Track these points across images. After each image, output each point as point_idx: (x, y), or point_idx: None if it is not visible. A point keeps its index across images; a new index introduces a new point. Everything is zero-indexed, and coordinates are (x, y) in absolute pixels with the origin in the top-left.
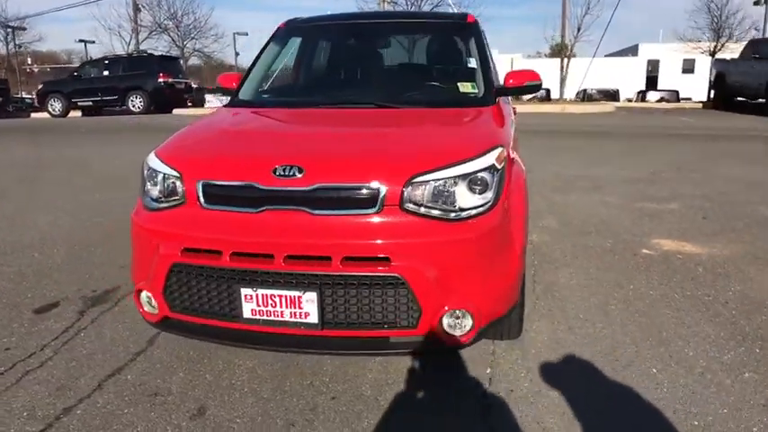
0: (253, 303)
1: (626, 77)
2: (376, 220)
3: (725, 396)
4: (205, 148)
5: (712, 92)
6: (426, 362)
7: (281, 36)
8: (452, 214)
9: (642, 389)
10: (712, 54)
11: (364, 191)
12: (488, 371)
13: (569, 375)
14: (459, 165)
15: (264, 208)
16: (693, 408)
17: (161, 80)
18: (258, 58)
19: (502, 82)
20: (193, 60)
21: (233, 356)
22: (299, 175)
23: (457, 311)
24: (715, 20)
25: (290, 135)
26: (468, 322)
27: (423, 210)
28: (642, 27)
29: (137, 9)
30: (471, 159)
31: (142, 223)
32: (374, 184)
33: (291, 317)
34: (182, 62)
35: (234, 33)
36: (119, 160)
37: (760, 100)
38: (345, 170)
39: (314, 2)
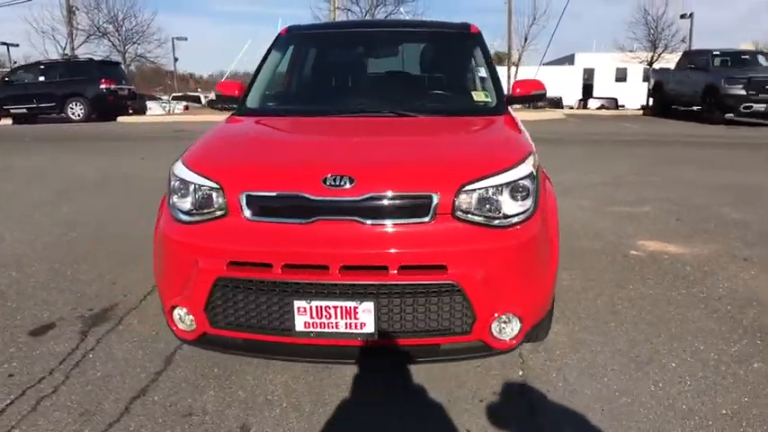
0: (306, 316)
1: (564, 85)
2: (430, 228)
3: (742, 386)
4: (243, 158)
5: (650, 100)
6: (457, 367)
7: (282, 43)
8: (498, 221)
9: (667, 383)
10: (650, 64)
11: (417, 200)
12: (521, 373)
13: (597, 374)
14: (503, 173)
15: (315, 218)
16: (718, 398)
17: (103, 86)
18: (262, 65)
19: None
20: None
21: (261, 371)
22: (350, 185)
23: (506, 316)
24: (651, 31)
25: (329, 144)
26: (515, 326)
27: (471, 217)
28: (577, 37)
29: (71, 11)
30: (513, 167)
31: (177, 237)
32: (427, 193)
33: (346, 327)
34: (123, 68)
35: (173, 38)
36: (78, 169)
37: (695, 107)
38: (397, 179)
39: (258, 7)
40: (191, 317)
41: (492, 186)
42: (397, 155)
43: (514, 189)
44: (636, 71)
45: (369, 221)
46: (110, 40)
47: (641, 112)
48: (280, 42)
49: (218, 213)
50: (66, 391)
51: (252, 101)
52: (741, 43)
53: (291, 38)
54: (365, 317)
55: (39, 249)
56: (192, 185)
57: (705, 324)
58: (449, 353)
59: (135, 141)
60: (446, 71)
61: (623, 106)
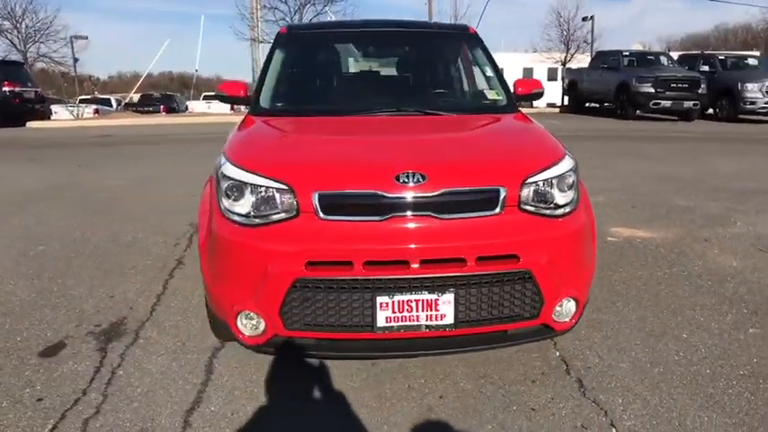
0: (388, 311)
1: None
2: (499, 220)
3: (747, 349)
4: (309, 158)
5: (566, 98)
6: (499, 353)
7: (284, 42)
8: (554, 212)
9: (687, 352)
10: (563, 64)
11: (486, 194)
12: (557, 354)
13: (625, 349)
14: (553, 167)
15: (391, 215)
16: (732, 361)
17: (6, 89)
18: (268, 64)
19: None
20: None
21: (308, 373)
22: (423, 182)
23: (566, 299)
24: (564, 33)
25: (388, 142)
26: (573, 307)
27: (533, 209)
28: (492, 38)
29: None
30: (560, 161)
31: (244, 240)
32: (495, 188)
33: (427, 320)
34: (27, 68)
35: (71, 37)
36: (18, 180)
37: (607, 104)
38: (467, 175)
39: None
40: (260, 320)
41: (547, 179)
42: (459, 151)
43: (562, 181)
44: (541, 70)
45: (443, 216)
46: (7, 38)
47: (558, 109)
48: (281, 41)
49: (289, 214)
50: (112, 411)
51: (267, 101)
52: (631, 44)
53: (293, 37)
54: (445, 308)
55: (9, 266)
56: (252, 187)
57: (696, 299)
58: (515, 337)
59: (62, 148)
60: (455, 71)
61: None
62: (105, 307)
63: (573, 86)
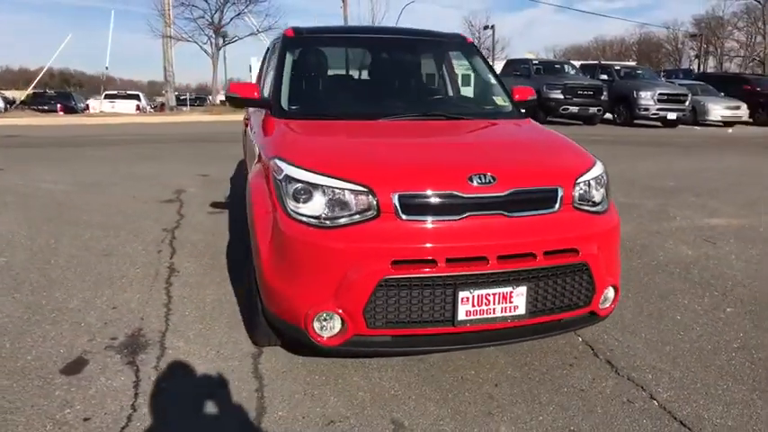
0: (468, 305)
1: None
2: (559, 217)
3: (731, 324)
4: (384, 160)
5: None
6: (528, 345)
7: (295, 45)
8: (593, 208)
9: (686, 332)
10: None
11: (547, 193)
12: (581, 339)
13: (636, 331)
14: (592, 168)
15: (467, 214)
16: (725, 336)
17: None
18: (282, 67)
19: None
20: None
21: (362, 370)
22: (494, 182)
23: (610, 287)
24: (475, 41)
25: (445, 145)
26: (612, 295)
27: (583, 206)
28: None
29: None
30: (596, 164)
31: (326, 242)
32: (554, 187)
33: (502, 312)
34: None
35: None
36: None
37: None
38: (531, 176)
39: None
40: (339, 321)
41: (589, 180)
42: (517, 154)
43: (599, 181)
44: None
45: (512, 214)
46: None
47: None
48: (290, 44)
49: (369, 215)
50: (178, 424)
51: (290, 103)
52: (522, 53)
53: (302, 40)
54: (518, 300)
55: None
56: (325, 189)
57: (674, 285)
58: (567, 325)
59: None
60: (466, 78)
61: None
62: (112, 319)
63: None
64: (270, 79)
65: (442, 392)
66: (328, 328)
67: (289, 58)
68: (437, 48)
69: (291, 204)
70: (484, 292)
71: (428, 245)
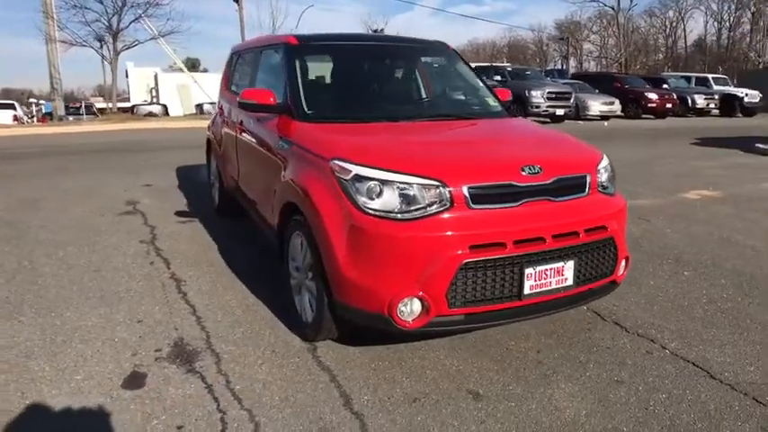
0: (532, 280)
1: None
2: (589, 200)
3: (693, 284)
4: (449, 157)
5: None
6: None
7: (301, 52)
8: (607, 191)
9: (663, 293)
10: None
11: (580, 180)
12: (585, 308)
13: (622, 297)
14: (603, 158)
15: (523, 201)
16: (694, 294)
17: None
18: (294, 73)
19: None
20: None
21: (418, 353)
22: (541, 172)
23: (624, 258)
24: None
25: (485, 141)
26: (625, 264)
27: (602, 190)
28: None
29: None
30: (603, 155)
31: (408, 233)
32: (584, 174)
33: (556, 284)
34: None
35: None
36: None
37: None
38: (568, 166)
39: None
40: (421, 305)
41: (603, 168)
42: (550, 147)
43: (607, 169)
44: None
45: (557, 199)
46: None
47: None
48: (294, 51)
49: (443, 206)
50: (269, 422)
51: (312, 108)
52: None
53: (306, 47)
54: (568, 273)
55: None
56: (399, 185)
57: (635, 256)
58: (597, 292)
59: None
60: (457, 81)
61: None
62: (145, 332)
63: None
64: (279, 85)
65: (497, 363)
66: (411, 312)
67: (297, 65)
68: (425, 53)
69: (365, 201)
70: (543, 267)
71: (497, 229)
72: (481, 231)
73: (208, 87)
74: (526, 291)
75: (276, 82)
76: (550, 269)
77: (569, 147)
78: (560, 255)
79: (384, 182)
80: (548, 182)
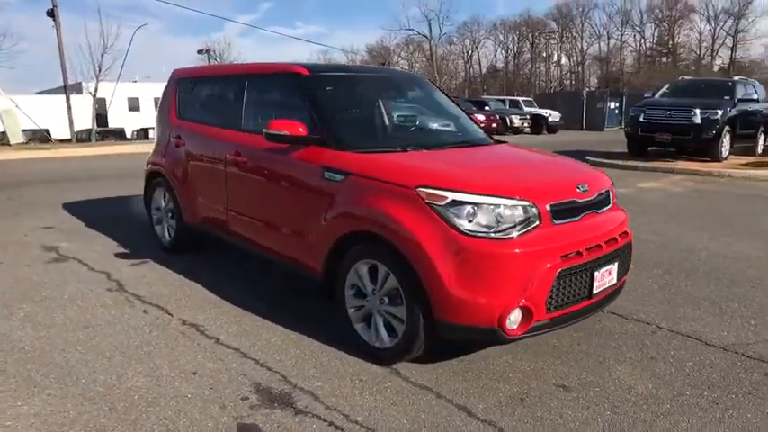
0: (597, 281)
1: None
2: (612, 211)
3: (641, 276)
4: (531, 180)
5: None
6: None
7: (313, 82)
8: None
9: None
10: None
11: (608, 194)
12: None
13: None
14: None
15: (582, 215)
16: (647, 284)
17: None
18: (317, 102)
19: None
20: None
21: (488, 359)
22: (588, 190)
23: None
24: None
25: (532, 165)
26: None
27: (615, 203)
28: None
29: None
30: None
31: (511, 250)
32: (608, 190)
33: (608, 282)
34: None
35: None
36: None
37: None
38: (600, 183)
39: None
40: (524, 313)
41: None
42: (579, 168)
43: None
44: (148, 100)
45: (598, 211)
46: None
47: None
48: (309, 82)
49: (534, 224)
50: None
51: (348, 137)
52: None
53: (318, 78)
54: (614, 272)
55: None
56: (494, 206)
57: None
58: (620, 290)
59: None
60: (450, 110)
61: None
62: (214, 383)
63: None
64: (295, 115)
65: (557, 359)
66: (516, 320)
67: (319, 95)
68: (418, 83)
69: (464, 224)
70: (603, 269)
71: (574, 240)
72: (565, 243)
73: (35, 111)
74: (594, 291)
75: (288, 112)
76: (606, 270)
77: (588, 167)
78: (611, 258)
79: (478, 205)
80: (593, 197)
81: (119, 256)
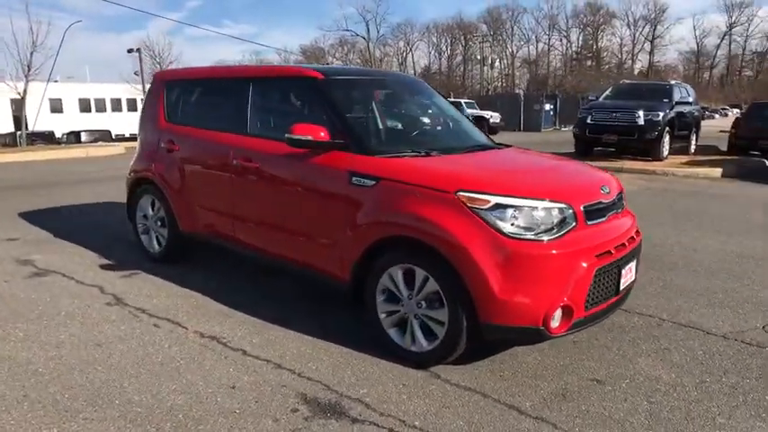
0: (623, 278)
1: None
2: (626, 211)
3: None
4: (564, 183)
5: None
6: None
7: (330, 86)
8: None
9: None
10: None
11: (622, 196)
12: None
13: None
14: None
15: (607, 215)
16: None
17: None
18: (336, 107)
19: None
20: None
21: (521, 357)
22: (609, 191)
23: None
24: (158, 66)
25: (554, 168)
26: None
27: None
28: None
29: None
30: None
31: (557, 250)
32: (622, 191)
33: (631, 279)
34: None
35: None
36: None
37: None
38: (616, 185)
39: None
40: (566, 311)
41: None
42: (595, 171)
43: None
44: (72, 101)
45: (618, 212)
46: None
47: None
48: (330, 85)
49: (572, 225)
50: None
51: (376, 143)
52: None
53: (338, 82)
54: (633, 269)
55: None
56: (534, 209)
57: None
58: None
59: None
60: (453, 113)
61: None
62: (258, 396)
63: None
64: (311, 119)
65: (580, 353)
66: (558, 319)
67: (338, 99)
68: (422, 87)
69: (507, 227)
70: (627, 266)
71: (605, 240)
72: (598, 242)
73: None
74: (621, 287)
75: (302, 116)
76: (629, 267)
77: (601, 171)
78: (632, 255)
79: (519, 208)
80: (614, 198)
81: (104, 267)
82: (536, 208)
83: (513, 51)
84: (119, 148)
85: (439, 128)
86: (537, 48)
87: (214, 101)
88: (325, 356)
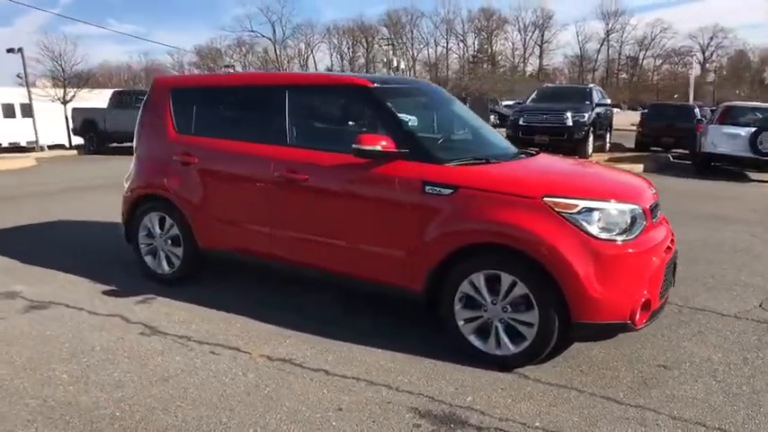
0: (676, 274)
1: None
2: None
3: None
4: (623, 187)
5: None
6: None
7: (384, 95)
8: None
9: None
10: (63, 102)
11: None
12: None
13: None
14: None
15: (658, 215)
16: None
17: None
18: (393, 116)
19: None
20: None
21: (578, 354)
22: (655, 192)
23: None
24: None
25: (603, 172)
26: None
27: None
28: None
29: None
30: None
31: (640, 248)
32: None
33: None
34: None
35: None
36: None
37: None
38: (654, 188)
39: None
40: (646, 304)
41: None
42: (630, 175)
43: None
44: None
45: (653, 220)
46: None
47: (76, 151)
48: (381, 96)
49: (645, 224)
50: None
51: (442, 151)
52: None
53: (389, 91)
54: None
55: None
56: (616, 211)
57: None
58: None
59: None
60: (478, 121)
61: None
62: (372, 414)
63: (91, 125)
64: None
65: (633, 342)
66: (640, 312)
67: (391, 107)
68: (448, 95)
69: (594, 230)
70: (676, 263)
71: (665, 236)
72: (662, 239)
73: None
74: (675, 279)
75: (351, 125)
76: (674, 266)
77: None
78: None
79: (603, 210)
80: (654, 202)
81: (110, 294)
82: (617, 210)
83: (414, 54)
84: (28, 159)
85: (470, 135)
86: (436, 51)
87: (238, 110)
88: (409, 368)
